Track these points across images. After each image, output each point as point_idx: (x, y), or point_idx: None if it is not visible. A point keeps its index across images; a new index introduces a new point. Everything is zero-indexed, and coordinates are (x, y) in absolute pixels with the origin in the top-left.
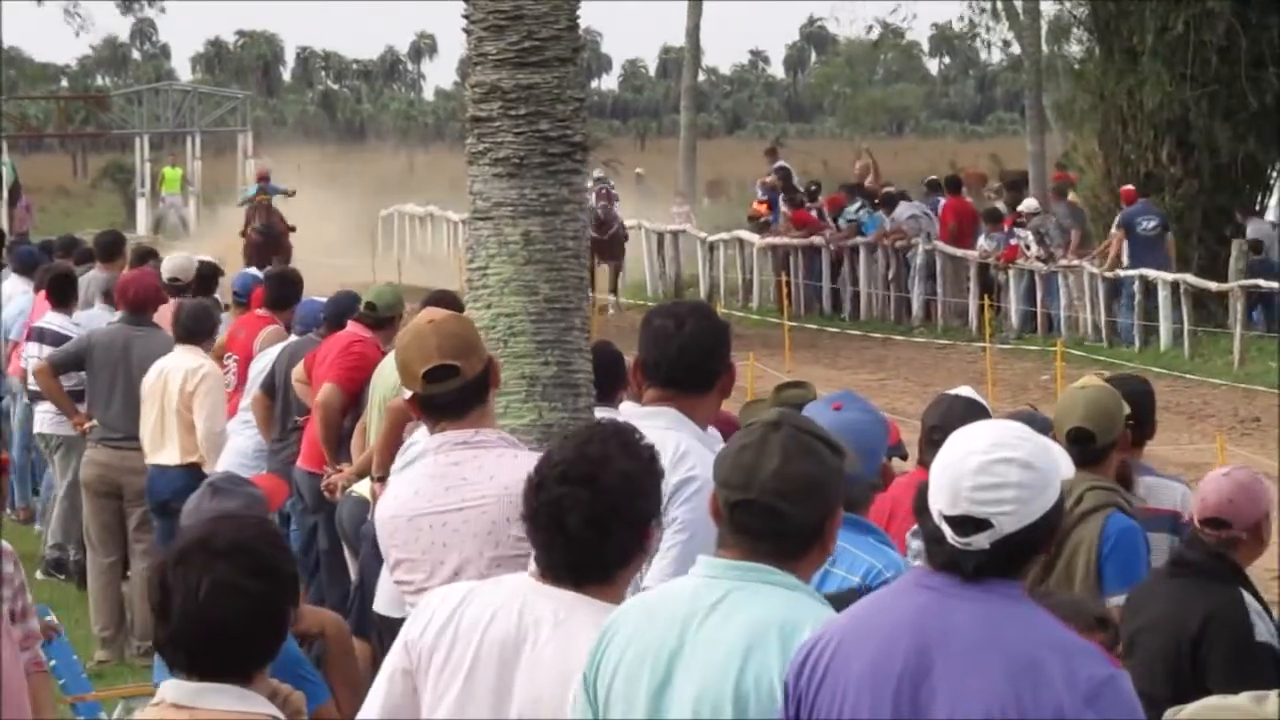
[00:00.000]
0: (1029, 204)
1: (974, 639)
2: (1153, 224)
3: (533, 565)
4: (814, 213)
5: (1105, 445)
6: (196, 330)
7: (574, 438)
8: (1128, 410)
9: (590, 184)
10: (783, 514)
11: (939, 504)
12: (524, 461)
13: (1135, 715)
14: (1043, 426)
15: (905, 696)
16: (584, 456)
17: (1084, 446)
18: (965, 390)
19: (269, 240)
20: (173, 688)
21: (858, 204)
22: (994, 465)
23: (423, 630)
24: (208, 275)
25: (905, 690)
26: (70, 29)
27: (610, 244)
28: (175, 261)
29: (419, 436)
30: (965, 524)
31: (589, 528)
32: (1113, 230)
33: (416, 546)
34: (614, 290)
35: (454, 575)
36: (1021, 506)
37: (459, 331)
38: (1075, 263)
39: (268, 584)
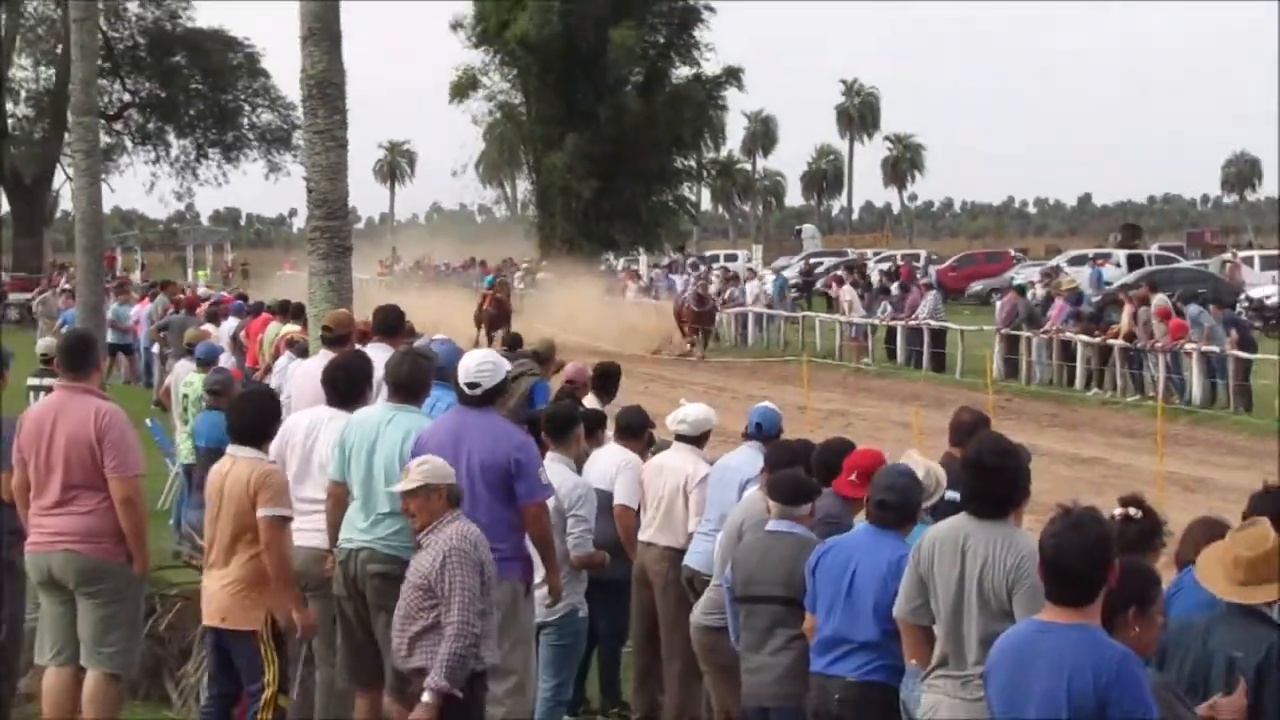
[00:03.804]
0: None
1: (477, 429)
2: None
3: None
4: None
5: (545, 358)
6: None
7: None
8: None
9: (692, 270)
10: (411, 386)
11: (461, 378)
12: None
13: (536, 459)
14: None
15: (452, 450)
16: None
17: (538, 357)
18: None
19: (502, 312)
20: (230, 448)
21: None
22: (481, 362)
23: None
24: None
25: (451, 447)
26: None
27: (706, 315)
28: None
29: None
30: (471, 385)
31: None
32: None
33: None
34: (705, 345)
35: None
36: (489, 379)
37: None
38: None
39: (266, 410)
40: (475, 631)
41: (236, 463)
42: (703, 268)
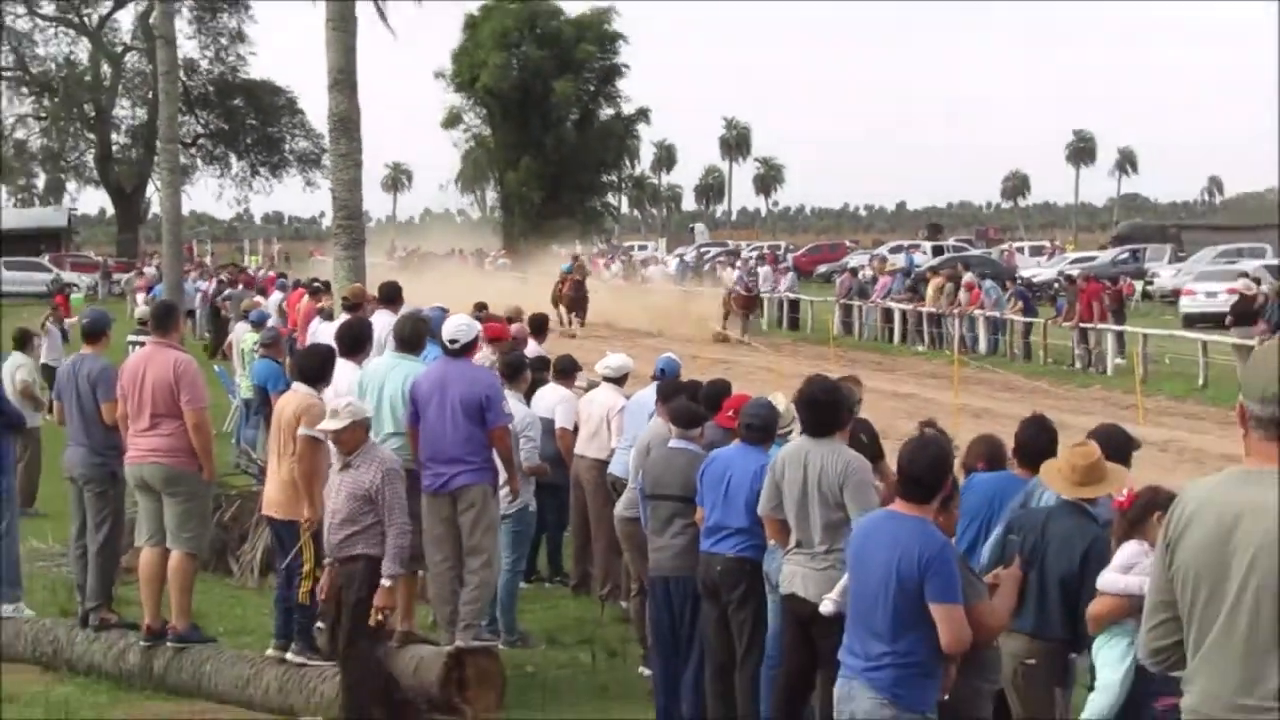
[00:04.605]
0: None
1: (458, 374)
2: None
3: None
4: None
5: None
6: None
7: None
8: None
9: (740, 263)
10: (412, 341)
11: (444, 336)
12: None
13: (501, 395)
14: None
15: (438, 396)
16: None
17: (516, 343)
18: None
19: (579, 294)
20: (295, 385)
21: None
22: (459, 325)
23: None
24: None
25: (437, 393)
26: (231, 204)
27: (751, 301)
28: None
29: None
30: (452, 341)
31: None
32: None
33: None
34: (745, 330)
35: None
36: (465, 336)
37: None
38: None
39: (327, 360)
40: (410, 529)
41: (294, 396)
42: (748, 263)
